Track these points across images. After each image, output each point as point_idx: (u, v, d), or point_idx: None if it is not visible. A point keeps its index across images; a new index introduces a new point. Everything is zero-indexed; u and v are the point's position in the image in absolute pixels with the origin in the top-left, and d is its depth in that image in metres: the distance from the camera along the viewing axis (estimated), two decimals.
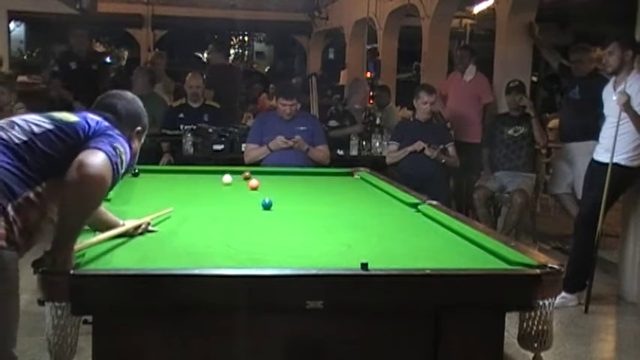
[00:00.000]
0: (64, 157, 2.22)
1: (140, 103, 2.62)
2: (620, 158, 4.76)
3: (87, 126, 2.34)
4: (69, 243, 2.11)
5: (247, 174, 4.12)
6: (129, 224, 2.64)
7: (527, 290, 2.26)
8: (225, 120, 6.83)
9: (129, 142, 2.44)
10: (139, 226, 2.67)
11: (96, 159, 2.13)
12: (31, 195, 2.23)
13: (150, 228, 2.73)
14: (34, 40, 15.21)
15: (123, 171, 2.29)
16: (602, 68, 5.60)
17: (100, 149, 2.18)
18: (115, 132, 2.37)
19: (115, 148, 2.23)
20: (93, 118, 2.40)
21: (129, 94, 2.63)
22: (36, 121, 2.36)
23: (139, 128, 2.56)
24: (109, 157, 2.18)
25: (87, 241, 2.36)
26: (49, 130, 2.32)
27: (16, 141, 2.28)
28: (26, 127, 2.32)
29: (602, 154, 4.88)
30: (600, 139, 5.00)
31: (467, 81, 7.15)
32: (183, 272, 2.18)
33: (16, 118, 2.39)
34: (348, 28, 12.13)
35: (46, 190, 2.26)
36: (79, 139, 2.29)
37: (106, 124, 2.39)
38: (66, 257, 2.08)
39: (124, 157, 2.27)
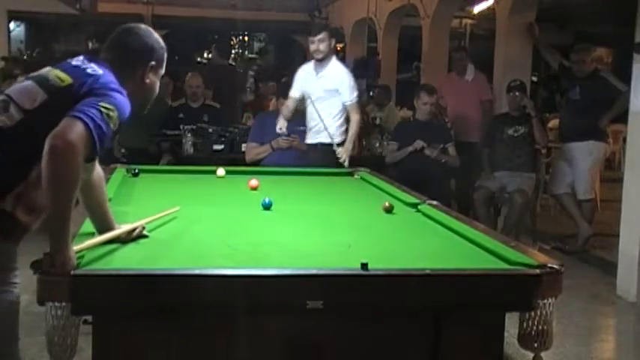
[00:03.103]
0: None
1: (155, 37, 2.49)
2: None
3: (80, 85, 2.24)
4: (61, 233, 2.06)
5: (387, 205, 3.38)
6: (122, 229, 2.55)
7: (527, 290, 2.25)
8: (225, 120, 6.84)
9: (142, 78, 2.40)
10: (132, 231, 2.58)
11: (68, 129, 2.04)
12: (33, 176, 2.15)
13: (144, 232, 2.64)
14: (34, 40, 15.20)
15: (116, 126, 2.19)
16: (602, 68, 5.61)
17: (77, 118, 2.08)
18: (110, 83, 2.26)
19: (101, 110, 2.13)
20: (89, 73, 2.28)
21: (142, 27, 2.50)
22: (29, 92, 2.26)
23: (152, 63, 2.44)
24: (87, 126, 2.07)
25: (84, 243, 2.35)
26: (44, 103, 2.23)
27: (10, 123, 2.21)
28: (21, 103, 2.23)
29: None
30: None
31: (469, 80, 7.14)
32: (183, 272, 2.18)
33: (10, 92, 2.29)
34: (348, 28, 12.14)
35: None
36: (73, 102, 2.17)
37: (104, 73, 2.29)
38: (64, 259, 2.06)
39: (113, 113, 2.17)
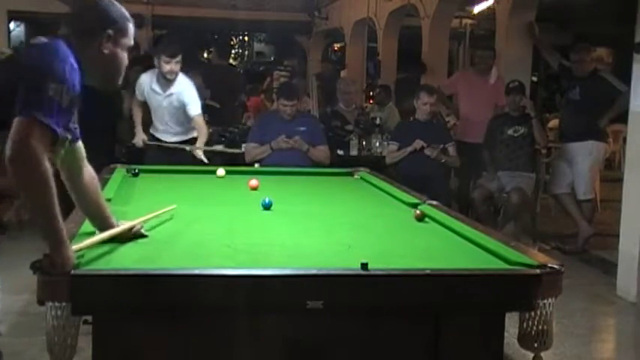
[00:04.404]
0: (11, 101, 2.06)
1: (115, 8, 2.37)
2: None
3: (19, 56, 2.21)
4: (53, 232, 2.05)
5: (419, 213, 3.25)
6: (121, 227, 2.55)
7: (527, 290, 2.26)
8: (225, 120, 6.83)
9: (99, 48, 2.30)
10: (131, 228, 2.58)
11: (20, 131, 2.00)
12: None
13: (142, 232, 2.64)
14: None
15: (68, 97, 2.11)
16: (602, 68, 5.60)
17: (26, 115, 2.02)
18: (50, 53, 2.17)
19: (47, 91, 2.06)
20: (32, 43, 2.24)
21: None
22: None
23: (109, 32, 2.31)
24: (37, 119, 2.02)
25: (84, 242, 2.34)
26: None
27: None
28: None
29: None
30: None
31: (491, 83, 6.81)
32: (183, 272, 2.18)
33: None
34: (348, 28, 12.14)
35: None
36: (15, 73, 2.12)
37: (47, 43, 2.22)
38: (64, 259, 2.06)
39: (61, 88, 2.08)
